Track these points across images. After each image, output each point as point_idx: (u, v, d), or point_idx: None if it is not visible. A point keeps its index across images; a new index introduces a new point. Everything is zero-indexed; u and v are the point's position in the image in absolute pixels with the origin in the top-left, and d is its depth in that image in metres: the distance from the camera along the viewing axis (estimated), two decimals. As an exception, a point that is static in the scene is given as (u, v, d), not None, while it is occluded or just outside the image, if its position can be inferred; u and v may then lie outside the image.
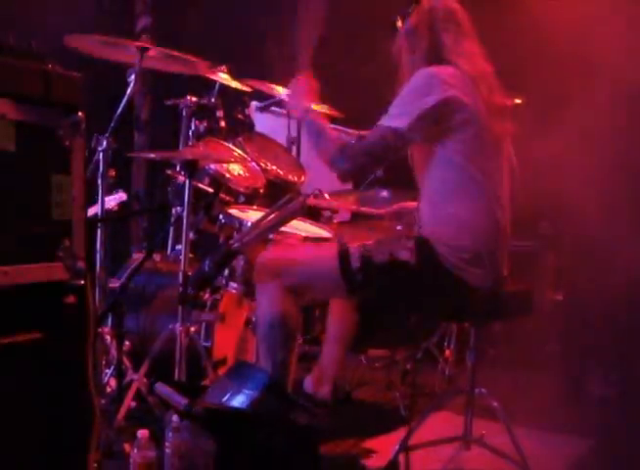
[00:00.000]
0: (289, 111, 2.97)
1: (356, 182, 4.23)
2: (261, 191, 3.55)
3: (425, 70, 2.67)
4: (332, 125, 2.89)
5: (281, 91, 4.06)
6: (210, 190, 3.38)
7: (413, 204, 3.14)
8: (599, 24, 3.71)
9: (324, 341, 3.09)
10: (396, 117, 2.66)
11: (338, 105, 4.15)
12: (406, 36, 2.82)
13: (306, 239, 3.19)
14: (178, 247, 3.80)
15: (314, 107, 2.91)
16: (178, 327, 2.97)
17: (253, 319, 3.35)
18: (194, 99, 3.80)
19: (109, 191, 3.33)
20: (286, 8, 4.55)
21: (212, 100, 3.78)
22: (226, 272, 3.36)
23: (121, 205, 3.63)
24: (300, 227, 3.36)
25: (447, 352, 3.94)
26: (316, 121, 2.84)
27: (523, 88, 3.74)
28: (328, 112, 3.96)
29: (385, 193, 4.07)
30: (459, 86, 2.64)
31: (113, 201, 3.54)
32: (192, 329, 3.02)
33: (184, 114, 3.86)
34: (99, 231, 3.17)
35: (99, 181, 3.15)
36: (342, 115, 4.23)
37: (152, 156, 3.75)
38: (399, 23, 2.86)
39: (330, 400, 3.02)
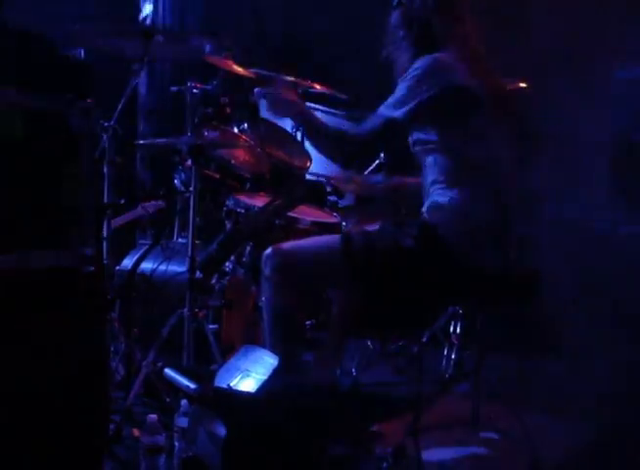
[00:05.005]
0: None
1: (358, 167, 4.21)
2: (267, 177, 3.55)
3: (427, 57, 2.66)
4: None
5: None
6: (217, 176, 3.38)
7: (411, 180, 3.13)
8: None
9: (329, 328, 3.10)
10: (395, 105, 2.65)
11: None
12: (400, 19, 2.81)
13: (313, 224, 3.19)
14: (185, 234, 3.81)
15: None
16: (186, 312, 2.99)
17: (260, 305, 3.36)
18: (198, 85, 3.79)
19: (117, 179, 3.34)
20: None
21: (217, 86, 3.77)
22: (233, 258, 3.37)
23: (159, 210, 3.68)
24: (306, 213, 3.37)
25: (453, 337, 3.94)
26: (314, 119, 2.82)
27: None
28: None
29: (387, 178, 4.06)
30: (461, 72, 2.64)
31: (152, 207, 3.58)
32: (200, 314, 3.04)
33: (189, 100, 3.86)
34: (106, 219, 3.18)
35: (104, 169, 3.16)
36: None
37: (158, 142, 3.75)
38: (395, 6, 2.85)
39: (335, 386, 3.02)
